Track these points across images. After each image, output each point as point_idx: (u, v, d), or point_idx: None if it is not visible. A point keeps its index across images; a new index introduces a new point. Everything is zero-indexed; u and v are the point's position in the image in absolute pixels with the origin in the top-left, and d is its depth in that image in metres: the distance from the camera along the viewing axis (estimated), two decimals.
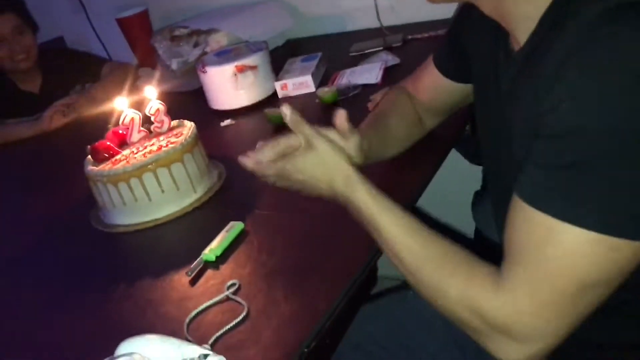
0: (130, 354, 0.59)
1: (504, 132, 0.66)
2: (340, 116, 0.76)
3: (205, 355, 0.61)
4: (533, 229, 0.55)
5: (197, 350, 0.62)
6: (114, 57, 2.26)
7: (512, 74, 0.64)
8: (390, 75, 1.36)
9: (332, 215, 0.83)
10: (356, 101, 1.30)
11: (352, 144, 0.75)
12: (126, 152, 1.05)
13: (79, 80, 1.90)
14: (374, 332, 0.93)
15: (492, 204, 0.82)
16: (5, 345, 0.84)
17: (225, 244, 0.89)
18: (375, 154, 0.86)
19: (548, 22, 0.58)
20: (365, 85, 1.33)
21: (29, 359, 0.79)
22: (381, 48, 1.52)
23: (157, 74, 1.75)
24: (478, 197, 1.34)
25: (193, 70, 1.63)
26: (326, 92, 1.30)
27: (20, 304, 0.94)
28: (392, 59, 1.41)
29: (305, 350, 0.67)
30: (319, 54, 1.50)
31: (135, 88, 1.65)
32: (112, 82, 1.83)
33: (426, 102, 0.94)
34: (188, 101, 1.58)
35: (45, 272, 1.01)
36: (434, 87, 0.91)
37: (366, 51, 1.53)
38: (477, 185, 1.43)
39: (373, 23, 1.70)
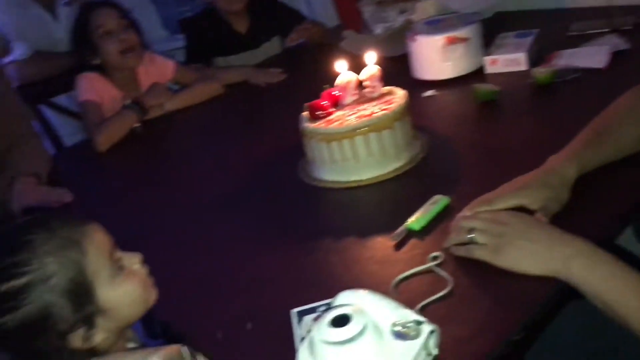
0: (351, 305, 0.63)
1: None
2: None
3: (419, 322, 0.63)
4: None
5: (411, 315, 0.64)
6: (316, 16, 2.36)
7: None
8: (617, 62, 1.24)
9: None
10: (574, 86, 1.21)
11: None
12: (339, 113, 1.10)
13: (278, 32, 2.04)
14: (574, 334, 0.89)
15: None
16: (216, 273, 0.94)
17: (430, 216, 0.90)
18: (597, 163, 0.86)
19: None
20: (586, 70, 1.23)
21: (239, 290, 0.88)
22: (607, 30, 1.38)
23: (360, 37, 1.79)
24: None
25: (395, 37, 1.64)
26: (542, 72, 1.22)
27: (229, 239, 1.02)
28: (622, 44, 1.27)
29: (513, 339, 0.67)
30: (535, 30, 1.41)
31: (338, 49, 1.71)
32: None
33: None
34: (389, 67, 1.58)
35: (252, 212, 1.10)
36: None
37: (589, 32, 1.41)
38: None
39: (597, 1, 1.54)
